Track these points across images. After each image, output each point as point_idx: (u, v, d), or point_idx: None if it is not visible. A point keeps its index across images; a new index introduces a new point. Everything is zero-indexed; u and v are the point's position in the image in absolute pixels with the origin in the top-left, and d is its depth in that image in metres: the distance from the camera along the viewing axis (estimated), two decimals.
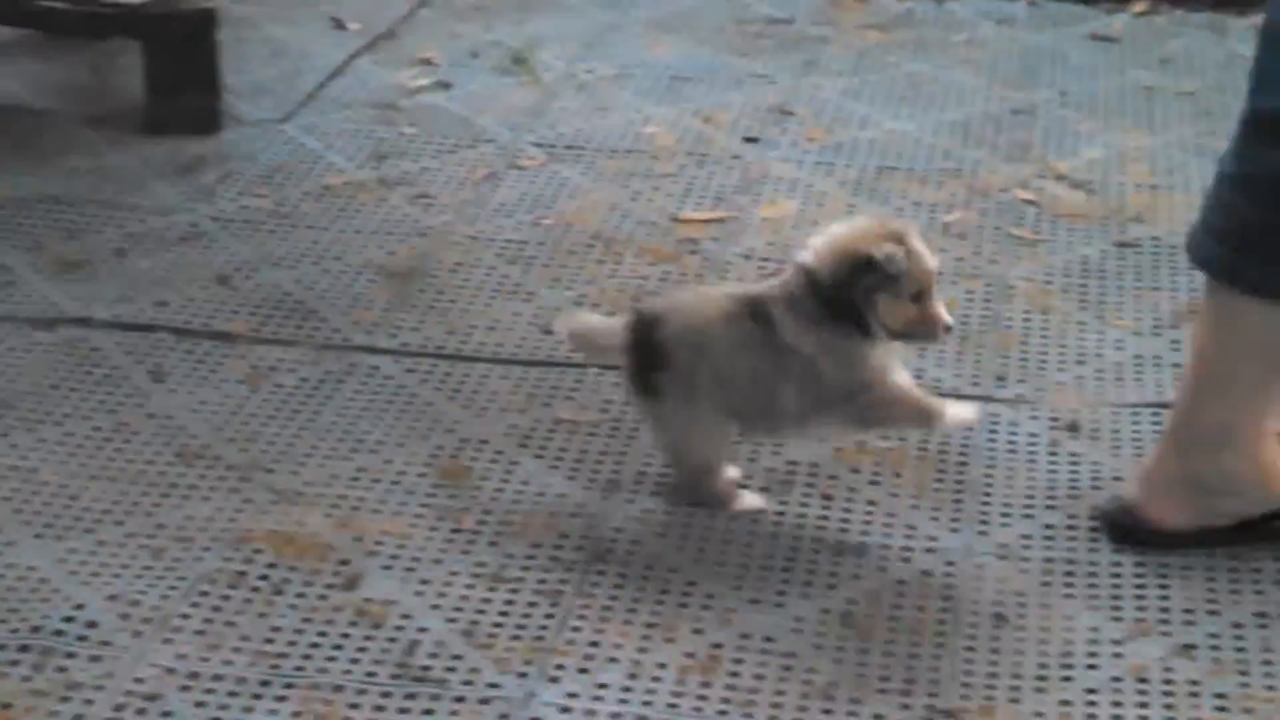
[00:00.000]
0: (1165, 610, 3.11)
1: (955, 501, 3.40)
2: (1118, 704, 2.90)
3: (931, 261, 3.07)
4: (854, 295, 3.03)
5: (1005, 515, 3.36)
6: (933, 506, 3.38)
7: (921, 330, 3.09)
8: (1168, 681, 2.95)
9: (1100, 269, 4.23)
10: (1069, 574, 3.20)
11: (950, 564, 3.23)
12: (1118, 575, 3.19)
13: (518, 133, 4.93)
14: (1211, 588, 3.16)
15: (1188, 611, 3.10)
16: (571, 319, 3.48)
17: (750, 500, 3.34)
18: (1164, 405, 3.62)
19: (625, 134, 4.92)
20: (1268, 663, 2.98)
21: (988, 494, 3.42)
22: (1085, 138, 4.90)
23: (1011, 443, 3.57)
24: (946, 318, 3.09)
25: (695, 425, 3.22)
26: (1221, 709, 2.88)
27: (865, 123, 4.99)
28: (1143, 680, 2.95)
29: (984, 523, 3.34)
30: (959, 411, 3.21)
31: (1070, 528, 3.32)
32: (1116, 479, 3.43)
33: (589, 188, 4.61)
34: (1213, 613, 3.10)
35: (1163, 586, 3.16)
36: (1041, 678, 2.95)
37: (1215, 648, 3.02)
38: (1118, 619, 3.08)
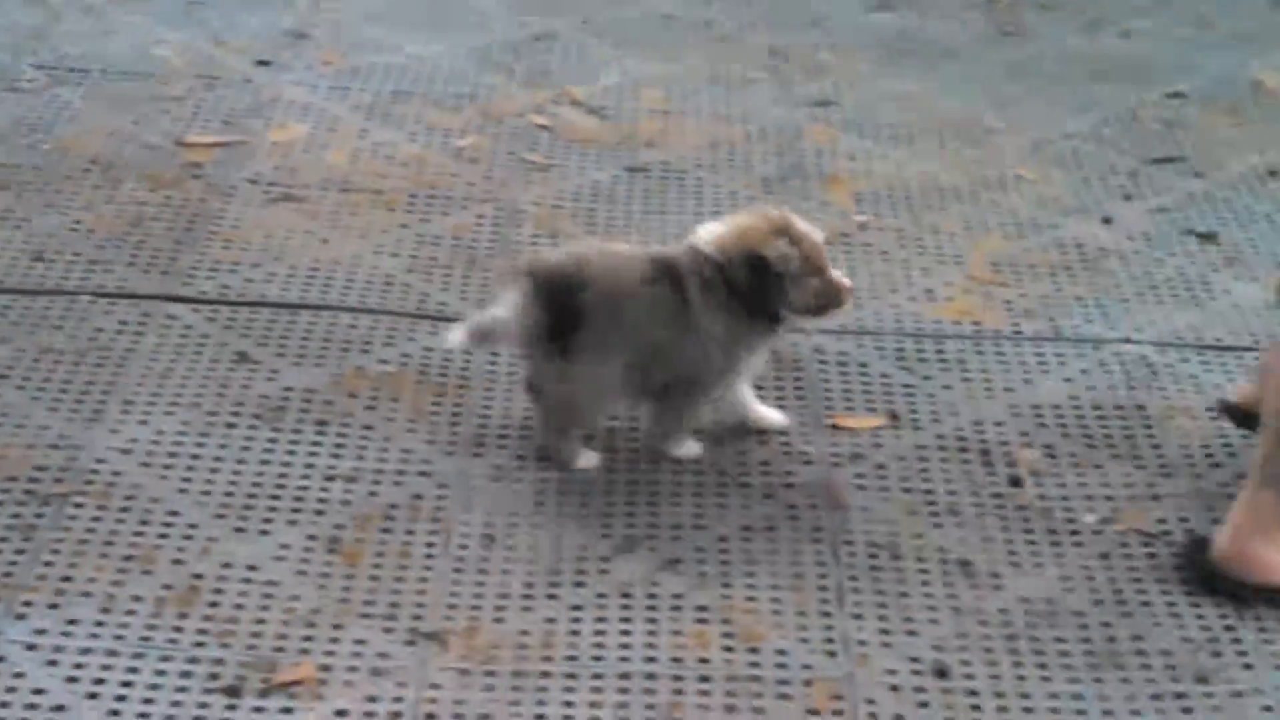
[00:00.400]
0: (654, 526, 3.13)
1: (453, 425, 3.36)
2: (601, 619, 2.90)
3: (819, 236, 3.15)
4: (765, 292, 3.11)
5: (502, 438, 3.34)
6: (429, 430, 3.34)
7: (829, 301, 3.17)
8: (652, 595, 2.96)
9: (610, 193, 4.24)
10: (562, 493, 3.19)
11: (443, 487, 3.19)
12: (610, 494, 3.20)
13: (18, 55, 4.70)
14: (699, 504, 3.19)
15: (675, 527, 3.13)
16: (476, 320, 3.29)
17: (590, 458, 3.27)
18: None
19: (133, 57, 4.74)
20: (750, 574, 3.02)
21: (485, 417, 3.40)
22: (603, 64, 4.91)
23: (512, 368, 3.54)
24: (846, 281, 3.18)
25: (595, 385, 3.18)
26: (702, 620, 2.91)
27: (383, 47, 4.91)
28: (627, 595, 2.96)
29: (480, 445, 3.31)
30: (690, 448, 3.30)
31: None
32: None
33: (91, 111, 4.42)
34: (699, 527, 3.13)
35: (652, 504, 3.19)
36: (528, 596, 2.94)
37: (701, 561, 3.05)
38: (607, 536, 3.09)
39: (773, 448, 3.35)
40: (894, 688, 2.80)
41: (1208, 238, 4.17)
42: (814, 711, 2.74)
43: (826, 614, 2.94)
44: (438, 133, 4.46)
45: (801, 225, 3.15)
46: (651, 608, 2.94)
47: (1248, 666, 2.87)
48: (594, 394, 3.21)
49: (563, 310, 3.12)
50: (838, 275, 3.18)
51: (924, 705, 2.77)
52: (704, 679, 2.79)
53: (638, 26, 5.19)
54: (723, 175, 4.33)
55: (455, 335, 3.25)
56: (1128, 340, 3.75)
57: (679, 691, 2.76)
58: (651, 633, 2.88)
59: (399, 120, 4.51)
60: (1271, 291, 3.93)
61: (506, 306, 3.20)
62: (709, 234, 3.18)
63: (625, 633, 2.88)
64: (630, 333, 3.13)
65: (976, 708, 2.77)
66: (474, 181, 4.25)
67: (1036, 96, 4.85)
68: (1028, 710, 2.77)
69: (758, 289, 3.12)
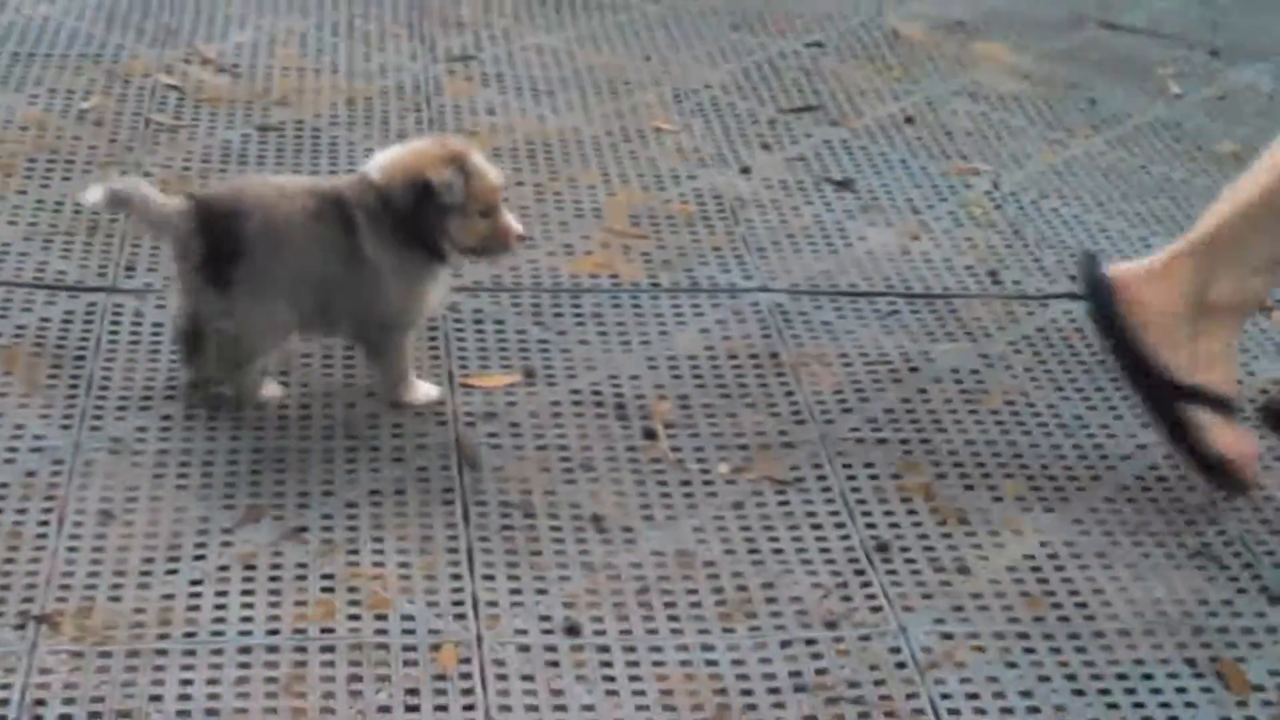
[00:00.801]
0: (280, 495, 3.04)
1: (69, 397, 3.22)
2: (222, 593, 2.81)
3: (497, 177, 3.08)
4: (423, 219, 3.03)
5: (121, 409, 3.21)
6: (44, 404, 3.20)
7: (494, 244, 3.11)
8: (276, 566, 2.88)
9: (241, 154, 4.11)
10: (184, 465, 3.08)
11: (58, 462, 3.06)
12: (234, 463, 3.10)
13: None
14: (328, 469, 3.11)
15: (302, 495, 3.04)
16: (119, 182, 3.13)
17: (273, 389, 3.23)
18: None
19: None
20: (378, 539, 2.95)
21: (105, 388, 3.26)
22: (236, 21, 4.76)
23: (135, 334, 3.41)
24: (518, 227, 3.10)
25: (260, 319, 3.08)
26: (328, 589, 2.83)
27: (5, 5, 4.70)
28: (250, 567, 2.87)
29: (98, 418, 3.18)
30: (427, 392, 3.26)
31: (189, 418, 3.20)
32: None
33: None
34: (327, 494, 3.05)
35: (279, 470, 3.09)
36: (146, 573, 2.83)
37: (328, 529, 2.97)
38: (230, 507, 2.99)
39: (405, 409, 3.27)
40: (524, 648, 2.75)
41: (844, 185, 4.20)
42: (441, 676, 2.68)
43: (456, 576, 2.89)
44: (60, 95, 4.29)
45: (479, 160, 3.08)
46: (275, 579, 2.85)
47: (876, 609, 2.89)
48: (259, 328, 3.10)
49: (223, 241, 3.02)
50: (509, 219, 3.12)
51: (554, 664, 2.73)
52: (327, 649, 2.71)
53: None
54: (358, 132, 4.23)
55: (94, 193, 3.07)
56: (764, 289, 3.76)
57: (301, 664, 2.68)
58: (275, 604, 2.80)
59: (18, 83, 4.32)
60: (906, 237, 3.98)
61: (165, 209, 3.08)
62: (381, 160, 3.10)
63: (247, 605, 2.79)
64: (294, 267, 3.05)
65: (607, 664, 2.74)
66: (97, 145, 4.09)
67: (678, 48, 4.84)
68: (658, 664, 2.74)
69: (419, 217, 3.04)
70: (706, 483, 3.16)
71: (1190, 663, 2.81)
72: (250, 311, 3.07)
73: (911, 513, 3.12)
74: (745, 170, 4.23)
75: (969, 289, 3.82)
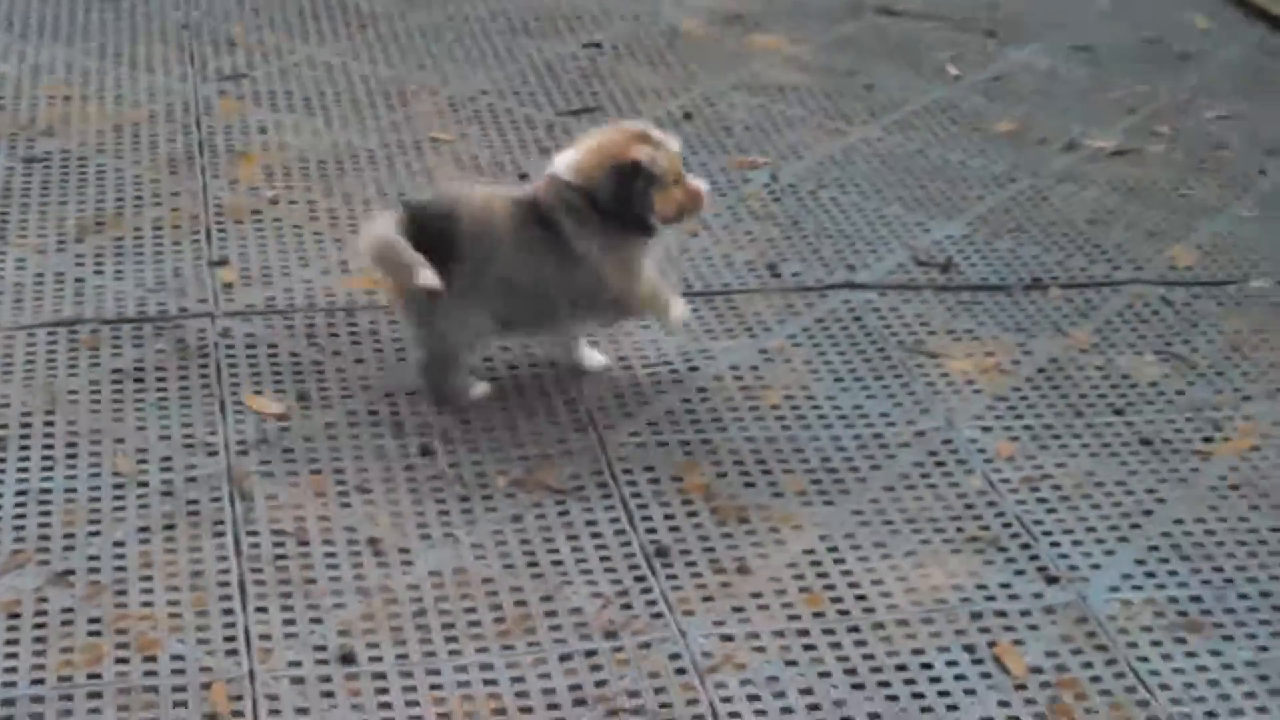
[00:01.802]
0: (45, 538, 2.96)
1: None
2: None
3: (676, 144, 3.28)
4: (632, 200, 3.19)
5: None
6: None
7: (690, 206, 3.30)
8: (41, 613, 2.80)
9: (5, 187, 4.01)
10: None
11: None
12: None
13: None
14: (94, 508, 3.03)
15: (68, 536, 2.96)
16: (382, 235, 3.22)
17: (481, 387, 3.36)
18: (62, 324, 3.48)
19: None
20: (146, 578, 2.88)
21: None
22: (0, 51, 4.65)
23: None
24: (704, 185, 3.31)
25: (469, 320, 3.23)
26: (95, 633, 2.76)
27: None
28: (14, 615, 2.79)
29: None
30: (680, 308, 3.40)
31: None
32: (4, 405, 3.26)
33: None
34: (94, 534, 2.97)
35: (45, 513, 3.01)
36: None
37: (95, 570, 2.89)
38: None
39: (174, 441, 3.20)
40: (298, 680, 2.70)
41: None
42: (212, 716, 2.62)
43: (228, 611, 2.83)
44: None
45: (657, 133, 3.28)
46: (40, 626, 2.77)
47: (656, 615, 2.87)
48: (462, 329, 3.25)
49: (436, 244, 3.15)
50: (696, 181, 3.31)
51: (329, 695, 2.68)
52: (94, 695, 2.64)
53: (39, 9, 4.93)
54: (126, 159, 4.15)
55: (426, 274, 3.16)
56: None
57: (67, 713, 2.61)
58: (39, 653, 2.72)
59: None
60: (685, 235, 3.96)
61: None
62: (567, 160, 3.28)
63: (10, 656, 2.71)
64: (503, 273, 3.21)
65: (383, 690, 2.69)
66: None
67: (455, 55, 4.80)
68: (435, 688, 2.70)
69: (626, 199, 3.21)
70: (485, 497, 3.13)
71: (969, 649, 2.82)
72: (456, 310, 3.20)
73: (692, 515, 3.10)
74: (523, 176, 4.19)
75: (748, 284, 3.82)
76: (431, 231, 3.17)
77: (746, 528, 3.08)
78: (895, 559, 3.02)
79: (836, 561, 3.01)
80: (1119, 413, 3.44)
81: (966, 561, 3.02)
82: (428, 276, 3.13)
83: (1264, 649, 2.85)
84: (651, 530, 3.06)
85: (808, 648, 2.81)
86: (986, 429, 3.37)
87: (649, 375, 3.48)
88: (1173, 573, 3.01)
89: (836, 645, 2.82)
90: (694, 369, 3.51)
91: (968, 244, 4.03)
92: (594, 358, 3.46)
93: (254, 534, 3.00)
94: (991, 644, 2.83)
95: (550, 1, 5.18)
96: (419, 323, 3.27)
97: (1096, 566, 3.02)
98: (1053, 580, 2.98)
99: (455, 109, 4.50)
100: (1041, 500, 3.18)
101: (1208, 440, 3.37)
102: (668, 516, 3.10)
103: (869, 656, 2.79)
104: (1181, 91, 4.88)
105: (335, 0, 5.08)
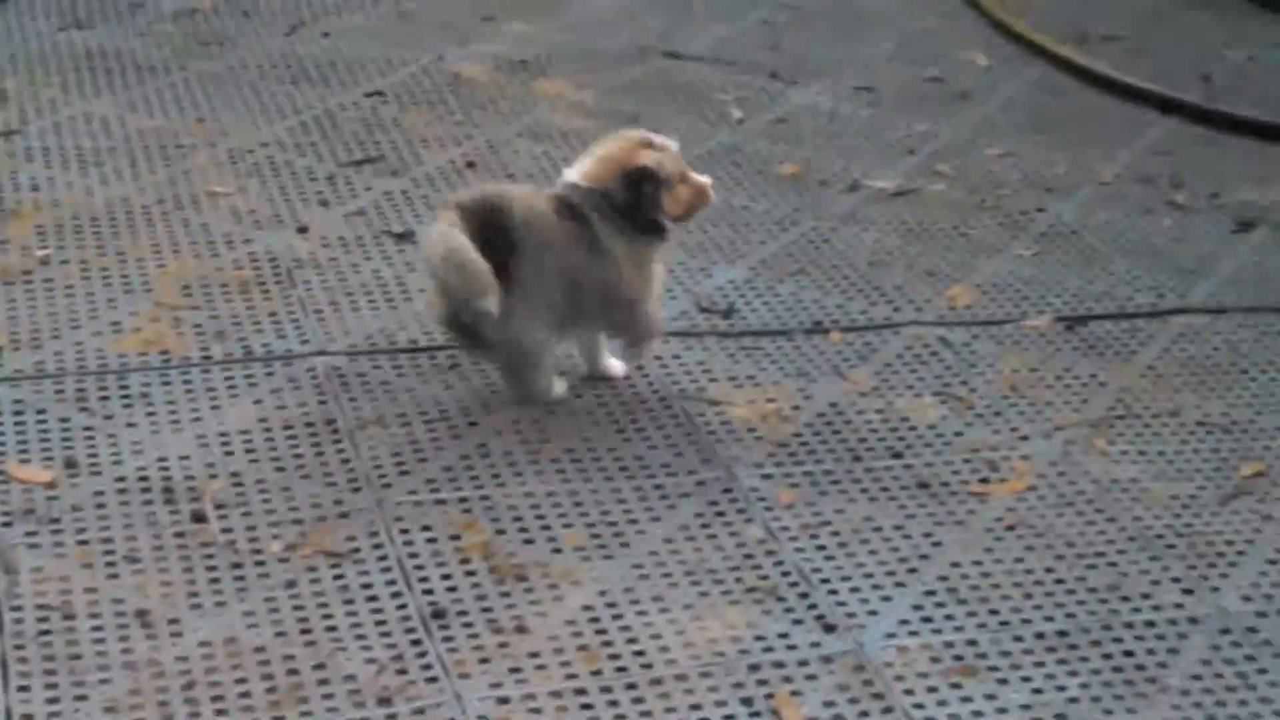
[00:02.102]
0: None
1: None
2: None
3: (675, 145, 3.50)
4: (643, 204, 3.40)
5: None
6: None
7: (698, 203, 3.50)
8: None
9: None
10: None
11: None
12: None
13: None
14: None
15: None
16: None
17: (561, 385, 3.53)
18: None
19: None
20: None
21: None
22: None
23: None
24: (707, 179, 3.52)
25: (536, 315, 3.37)
26: None
27: None
28: None
29: None
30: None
31: None
32: None
33: None
34: None
35: None
36: None
37: None
38: None
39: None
40: None
41: (404, 237, 4.14)
42: None
43: None
44: None
45: (658, 138, 3.50)
46: None
47: (432, 680, 2.83)
48: (537, 325, 3.38)
49: (493, 240, 3.30)
50: (699, 177, 3.50)
51: None
52: None
53: None
54: None
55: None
56: (321, 353, 3.67)
57: None
58: None
59: None
60: None
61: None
62: (579, 170, 3.46)
63: None
64: (557, 264, 3.36)
65: None
66: None
67: (235, 107, 4.73)
68: None
69: (637, 203, 3.41)
70: (259, 563, 3.07)
71: (746, 702, 2.81)
72: (524, 313, 3.35)
73: (470, 574, 3.07)
74: (303, 229, 4.14)
75: None
76: (488, 228, 3.33)
77: (525, 585, 3.05)
78: (673, 612, 3.01)
79: (615, 617, 2.99)
80: (897, 456, 3.46)
81: (745, 612, 3.01)
82: (491, 303, 3.27)
83: (1038, 691, 2.87)
84: (429, 591, 3.02)
85: (585, 707, 2.79)
86: (767, 476, 3.37)
87: (428, 431, 3.44)
88: (949, 617, 3.03)
89: (614, 704, 2.79)
90: (474, 424, 3.48)
91: (750, 289, 4.04)
92: (615, 365, 3.61)
93: (17, 609, 2.92)
94: (769, 696, 2.83)
95: (332, 50, 5.13)
96: (486, 336, 3.40)
97: (874, 613, 3.03)
98: (830, 629, 2.98)
99: (234, 161, 4.44)
100: (820, 547, 3.19)
101: (984, 481, 3.40)
102: (445, 577, 3.06)
103: (646, 714, 2.78)
104: (962, 130, 4.95)
105: (111, 51, 5.00)
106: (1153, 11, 6.04)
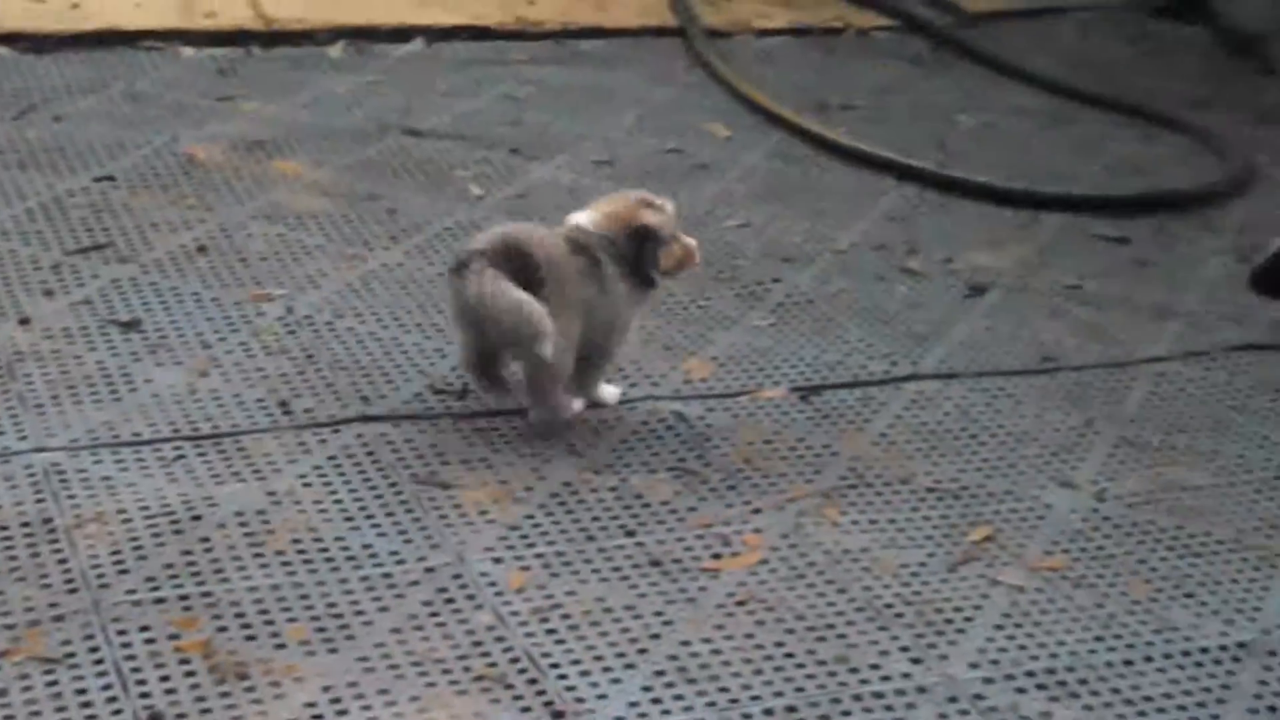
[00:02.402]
0: None
1: None
2: None
3: (671, 207, 3.82)
4: (644, 259, 3.75)
5: None
6: None
7: (686, 262, 3.86)
8: None
9: None
10: None
11: None
12: None
13: None
14: None
15: None
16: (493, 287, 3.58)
17: (577, 404, 3.78)
18: None
19: None
20: None
21: None
22: None
23: None
24: (693, 242, 3.86)
25: (560, 340, 3.60)
26: None
27: None
28: None
29: None
30: (613, 393, 3.89)
31: None
32: None
33: None
34: None
35: None
36: None
37: None
38: None
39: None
40: None
41: (131, 326, 4.05)
42: None
43: None
44: None
45: (657, 199, 3.81)
46: None
47: None
48: (564, 348, 3.63)
49: (520, 276, 3.56)
50: (686, 239, 3.82)
51: None
52: None
53: None
54: None
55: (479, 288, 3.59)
56: (40, 449, 3.57)
57: None
58: None
59: None
60: (195, 375, 3.85)
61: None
62: (587, 218, 3.77)
63: None
64: (573, 295, 3.64)
65: None
66: None
67: None
68: None
69: (638, 258, 3.73)
70: None
71: None
72: (556, 335, 3.58)
73: (190, 675, 2.98)
74: (24, 321, 4.03)
75: (259, 423, 3.72)
76: (515, 267, 3.58)
77: (246, 684, 2.97)
78: (399, 705, 2.95)
79: (339, 714, 2.92)
80: (630, 534, 3.45)
81: (472, 702, 2.97)
82: (548, 347, 3.57)
83: None
84: (145, 695, 2.93)
85: None
86: (498, 560, 3.34)
87: (148, 526, 3.35)
88: (678, 697, 3.01)
89: None
90: (197, 517, 3.40)
91: None
92: (610, 391, 3.87)
93: None
94: None
95: (62, 134, 5.02)
96: (505, 379, 3.75)
97: (603, 696, 3.00)
98: (559, 715, 2.95)
99: None
100: (551, 631, 3.15)
101: (716, 557, 3.40)
102: (163, 679, 2.97)
103: None
104: (701, 202, 4.97)
105: None
106: (890, 81, 6.15)
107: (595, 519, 3.49)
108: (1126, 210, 5.16)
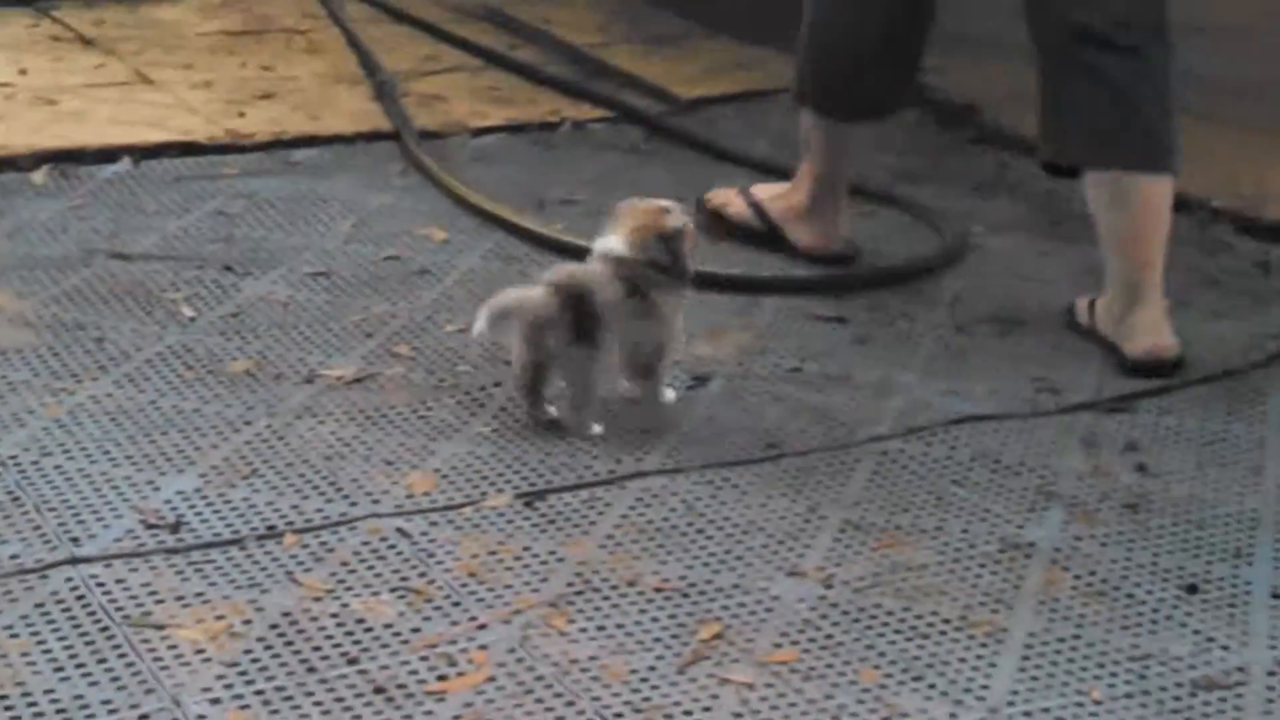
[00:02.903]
0: None
1: None
2: None
3: (674, 203, 4.31)
4: (680, 259, 4.21)
5: None
6: None
7: (696, 244, 4.33)
8: None
9: None
10: None
11: None
12: None
13: None
14: None
15: None
16: (495, 304, 4.19)
17: (599, 426, 4.27)
18: None
19: None
20: None
21: None
22: None
23: None
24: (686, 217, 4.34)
25: (602, 367, 4.20)
26: None
27: None
28: None
29: None
30: (669, 394, 4.44)
31: None
32: None
33: None
34: None
35: None
36: None
37: None
38: None
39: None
40: None
41: None
42: None
43: None
44: None
45: (662, 201, 4.28)
46: None
47: None
48: (599, 374, 4.21)
49: (585, 313, 4.11)
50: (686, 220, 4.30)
51: None
52: None
53: None
54: None
55: (479, 324, 4.15)
56: None
57: None
58: None
59: None
60: None
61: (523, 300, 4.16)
62: (612, 243, 4.21)
63: None
64: (623, 326, 4.19)
65: None
66: None
67: None
68: None
69: (674, 258, 4.19)
70: None
71: None
72: (596, 363, 4.18)
73: None
74: None
75: None
76: (576, 303, 4.12)
77: None
78: None
79: None
80: (353, 662, 3.36)
81: None
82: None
83: None
84: None
85: None
86: (215, 701, 3.23)
87: None
88: None
89: None
90: None
91: (199, 498, 3.91)
92: (670, 394, 4.39)
93: None
94: None
95: None
96: (569, 368, 4.21)
97: None
98: None
99: None
100: None
101: (442, 679, 3.33)
102: None
103: None
104: (420, 309, 4.92)
105: None
106: (608, 171, 6.16)
107: (316, 649, 3.41)
108: (843, 290, 5.21)
